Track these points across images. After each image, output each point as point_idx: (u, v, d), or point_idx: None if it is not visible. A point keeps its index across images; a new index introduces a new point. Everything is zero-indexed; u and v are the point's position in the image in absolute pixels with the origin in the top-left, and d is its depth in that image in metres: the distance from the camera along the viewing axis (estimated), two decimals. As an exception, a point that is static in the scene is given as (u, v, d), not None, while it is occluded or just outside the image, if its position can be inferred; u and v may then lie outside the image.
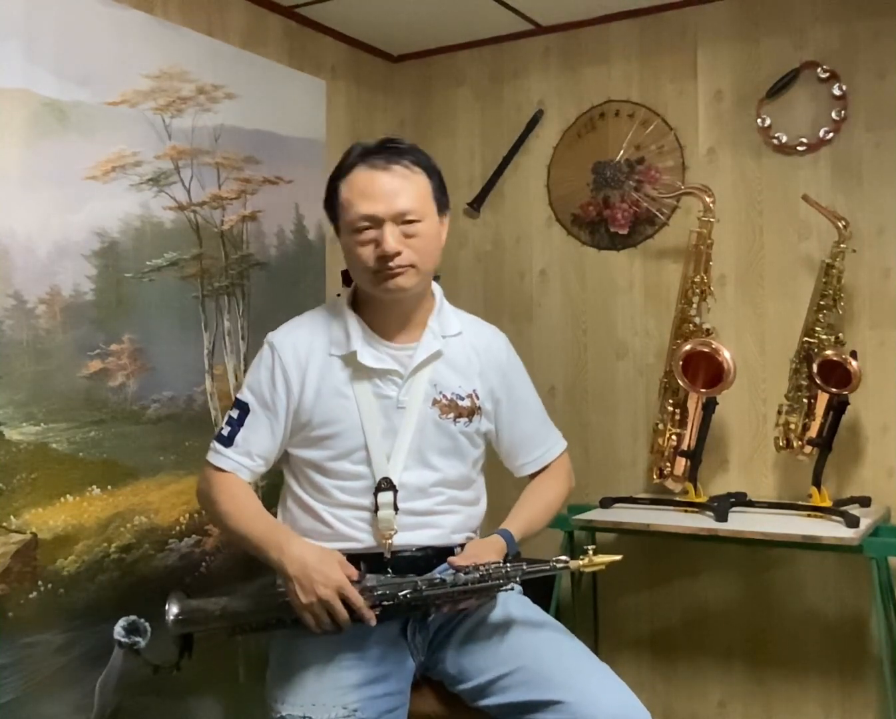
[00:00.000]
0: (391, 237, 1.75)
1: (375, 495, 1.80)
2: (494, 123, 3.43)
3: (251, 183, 2.84)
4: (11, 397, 2.20)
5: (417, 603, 1.71)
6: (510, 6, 3.09)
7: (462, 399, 1.87)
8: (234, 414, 1.86)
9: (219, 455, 1.85)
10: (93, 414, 2.38)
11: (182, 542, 2.59)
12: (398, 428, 1.82)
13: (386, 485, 1.80)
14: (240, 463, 1.84)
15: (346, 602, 1.66)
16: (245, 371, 2.75)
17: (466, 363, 1.91)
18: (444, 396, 1.85)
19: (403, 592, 1.70)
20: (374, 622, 1.68)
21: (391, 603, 1.70)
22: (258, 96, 2.86)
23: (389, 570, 1.79)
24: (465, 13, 3.15)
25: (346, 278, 1.94)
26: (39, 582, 2.23)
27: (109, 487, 2.41)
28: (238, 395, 1.89)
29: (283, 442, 1.87)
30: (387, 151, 1.81)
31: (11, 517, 2.18)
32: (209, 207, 2.71)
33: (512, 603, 1.89)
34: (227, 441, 1.84)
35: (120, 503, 2.43)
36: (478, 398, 1.89)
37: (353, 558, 1.77)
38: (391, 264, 1.75)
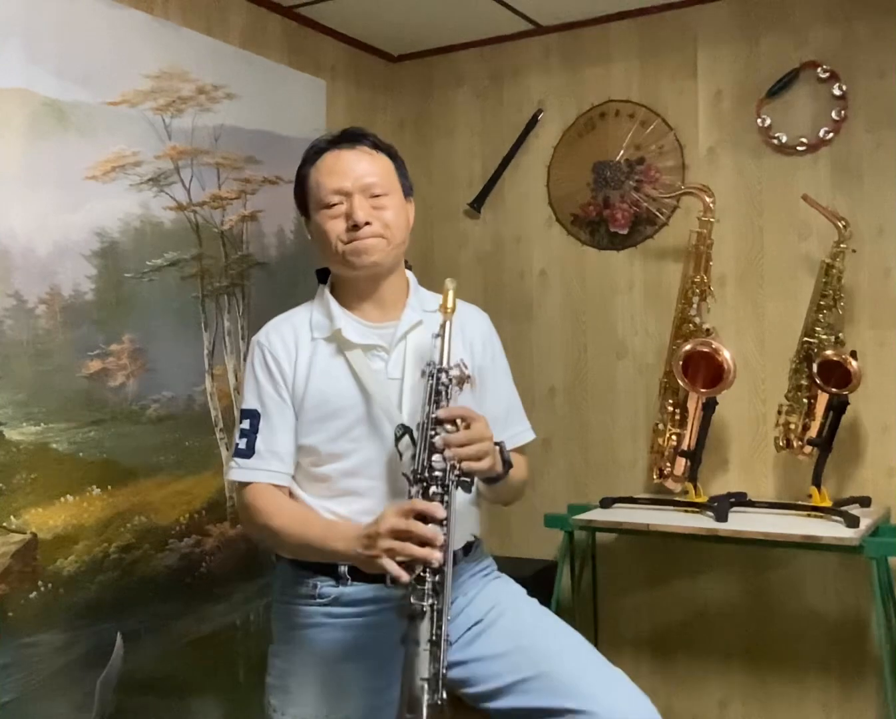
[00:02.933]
0: (360, 209, 1.79)
1: (397, 444, 1.74)
2: (494, 123, 3.43)
3: (251, 183, 2.85)
4: (11, 397, 2.20)
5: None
6: (510, 6, 3.09)
7: (450, 369, 1.87)
8: (245, 424, 1.82)
9: (245, 470, 1.80)
10: (93, 414, 2.38)
11: (182, 542, 2.59)
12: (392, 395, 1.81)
13: (402, 431, 1.74)
14: (271, 469, 1.80)
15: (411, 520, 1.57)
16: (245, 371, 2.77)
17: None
18: None
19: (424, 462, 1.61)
20: (442, 512, 1.56)
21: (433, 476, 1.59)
22: (258, 96, 2.86)
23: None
24: (465, 13, 3.15)
25: (321, 277, 1.96)
26: (39, 582, 2.23)
27: (109, 487, 2.41)
28: (242, 406, 1.85)
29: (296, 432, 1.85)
30: (350, 136, 1.87)
31: (11, 517, 2.18)
32: (209, 207, 2.71)
33: (525, 608, 1.88)
34: (249, 452, 1.80)
35: (120, 503, 2.43)
36: (466, 367, 1.89)
37: (358, 568, 1.76)
38: (360, 234, 1.78)
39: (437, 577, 1.54)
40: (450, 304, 1.71)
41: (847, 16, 2.88)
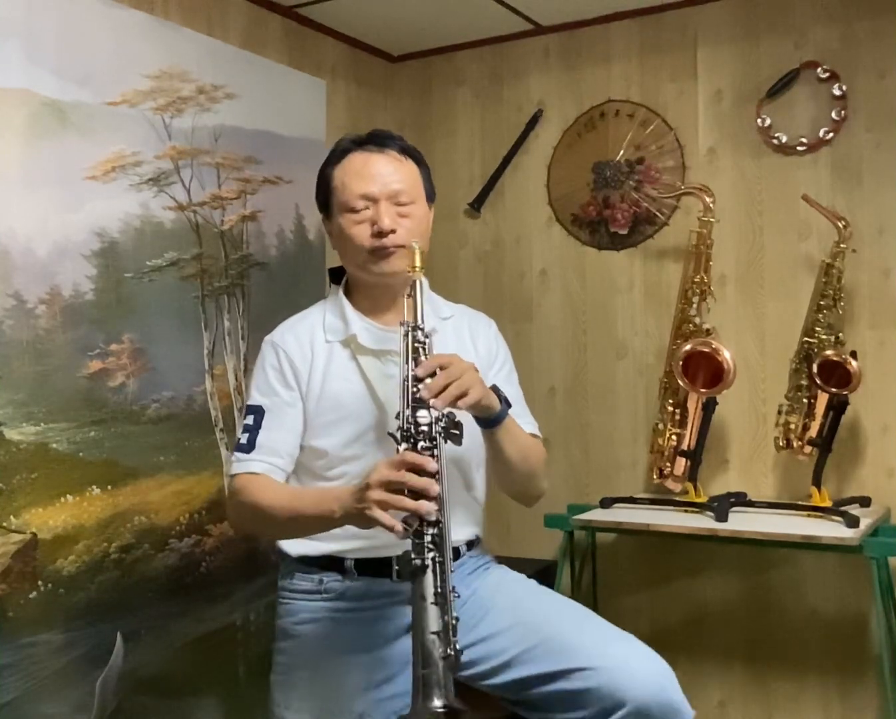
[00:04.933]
0: (387, 216, 1.78)
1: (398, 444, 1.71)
2: (494, 123, 3.43)
3: (251, 183, 2.85)
4: (11, 397, 2.20)
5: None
6: (510, 6, 3.09)
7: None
8: (249, 420, 1.82)
9: (244, 462, 1.79)
10: (93, 414, 2.38)
11: (182, 542, 2.59)
12: None
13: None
14: (269, 463, 1.79)
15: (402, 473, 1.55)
16: (245, 371, 2.78)
17: (462, 342, 1.92)
18: None
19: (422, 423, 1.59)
20: (433, 465, 1.54)
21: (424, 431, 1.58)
22: (258, 96, 2.86)
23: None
24: (465, 13, 3.15)
25: (334, 277, 1.95)
26: (39, 582, 2.23)
27: (109, 487, 2.41)
28: (248, 402, 1.85)
29: (301, 436, 1.85)
30: (378, 138, 1.85)
31: (11, 517, 2.18)
32: (209, 207, 2.71)
33: (523, 585, 1.90)
34: (249, 447, 1.79)
35: (120, 503, 2.43)
36: (477, 372, 1.89)
37: (366, 563, 1.78)
38: (386, 241, 1.78)
39: (435, 530, 1.53)
40: (417, 264, 1.70)
41: (847, 16, 2.88)
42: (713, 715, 3.10)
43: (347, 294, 1.90)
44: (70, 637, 2.29)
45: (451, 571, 1.55)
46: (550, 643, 1.73)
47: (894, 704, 2.53)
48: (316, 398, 1.82)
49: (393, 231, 1.77)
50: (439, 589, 1.51)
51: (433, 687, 1.45)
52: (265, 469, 1.79)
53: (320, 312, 1.90)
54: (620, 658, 1.68)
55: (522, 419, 1.95)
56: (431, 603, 1.50)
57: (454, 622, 1.51)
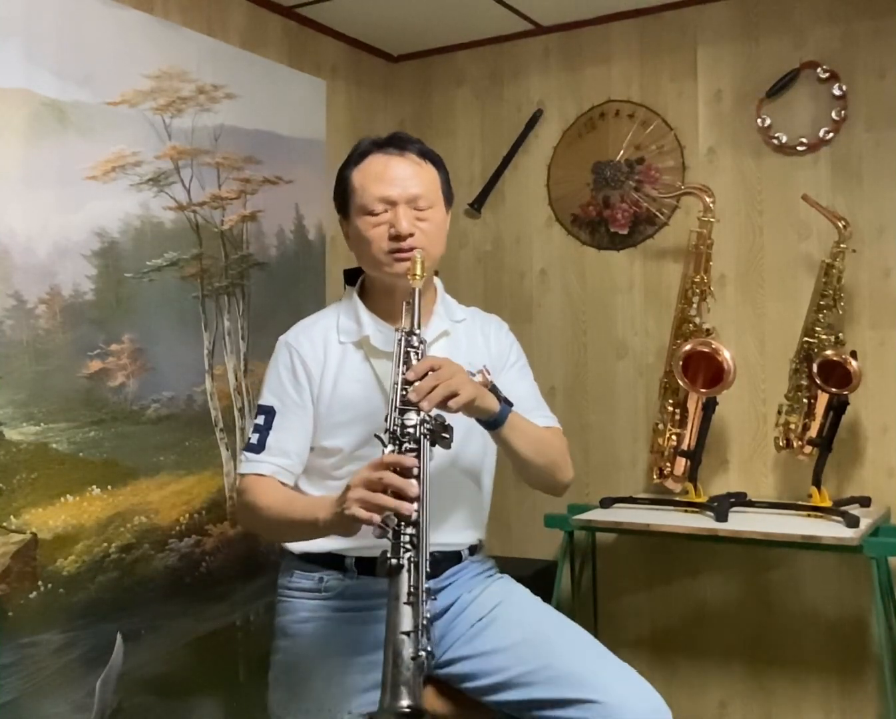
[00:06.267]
0: (405, 219, 1.78)
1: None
2: (494, 123, 3.43)
3: (251, 183, 2.85)
4: (11, 397, 2.20)
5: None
6: (510, 6, 3.09)
7: (473, 375, 1.85)
8: (260, 420, 1.83)
9: (253, 463, 1.81)
10: (93, 414, 2.38)
11: (182, 542, 2.59)
12: None
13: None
14: (278, 464, 1.81)
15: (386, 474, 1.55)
16: (245, 371, 2.78)
17: (474, 344, 1.93)
18: None
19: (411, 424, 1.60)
20: (413, 462, 1.56)
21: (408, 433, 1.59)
22: (258, 96, 2.86)
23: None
24: (465, 13, 3.15)
25: (349, 278, 1.95)
26: (39, 582, 2.23)
27: (109, 487, 2.41)
28: (260, 402, 1.86)
29: (312, 437, 1.85)
30: (398, 141, 1.86)
31: (11, 517, 2.18)
32: (209, 207, 2.71)
33: (528, 603, 1.89)
34: (259, 447, 1.81)
35: (120, 503, 2.43)
36: (489, 373, 1.89)
37: (366, 562, 1.78)
38: (403, 245, 1.78)
39: (413, 530, 1.53)
40: (418, 272, 1.71)
41: (847, 16, 2.88)
42: (713, 715, 3.10)
43: (363, 296, 1.91)
44: (70, 637, 2.29)
45: (427, 573, 1.54)
46: (552, 670, 1.72)
47: (894, 704, 2.53)
48: (328, 399, 1.83)
49: (411, 234, 1.78)
50: (413, 590, 1.51)
51: (400, 687, 1.45)
52: (273, 471, 1.80)
53: (334, 314, 1.91)
54: (622, 694, 1.68)
55: (538, 412, 1.95)
56: (404, 602, 1.50)
57: (425, 622, 1.50)
